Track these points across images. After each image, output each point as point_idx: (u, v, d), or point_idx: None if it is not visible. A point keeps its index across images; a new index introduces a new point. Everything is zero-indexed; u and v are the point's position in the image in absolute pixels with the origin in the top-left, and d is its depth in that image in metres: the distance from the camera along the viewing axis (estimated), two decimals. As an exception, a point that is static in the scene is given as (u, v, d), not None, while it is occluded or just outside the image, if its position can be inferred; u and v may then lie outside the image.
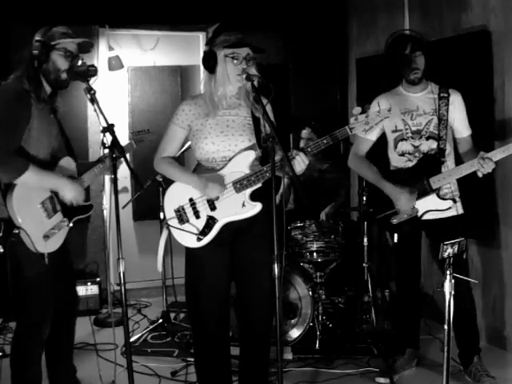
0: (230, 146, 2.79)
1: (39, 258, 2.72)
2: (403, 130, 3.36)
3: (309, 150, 2.71)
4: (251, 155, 2.78)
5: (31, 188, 2.70)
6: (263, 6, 5.22)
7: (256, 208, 2.77)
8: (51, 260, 2.77)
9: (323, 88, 5.54)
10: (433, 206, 3.26)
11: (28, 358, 2.80)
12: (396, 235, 3.32)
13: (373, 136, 3.45)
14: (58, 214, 2.84)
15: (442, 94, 3.30)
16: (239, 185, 2.75)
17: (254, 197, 2.78)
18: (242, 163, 2.77)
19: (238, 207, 2.77)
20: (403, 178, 3.33)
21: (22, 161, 2.63)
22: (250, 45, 2.78)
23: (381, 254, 4.96)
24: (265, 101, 2.71)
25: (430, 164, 3.28)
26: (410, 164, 3.35)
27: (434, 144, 3.31)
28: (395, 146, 3.39)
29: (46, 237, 2.76)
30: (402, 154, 3.38)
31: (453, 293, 2.42)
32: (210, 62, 2.78)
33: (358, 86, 5.39)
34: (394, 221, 3.30)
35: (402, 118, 3.35)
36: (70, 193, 2.80)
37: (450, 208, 3.26)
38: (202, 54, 2.91)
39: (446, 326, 2.46)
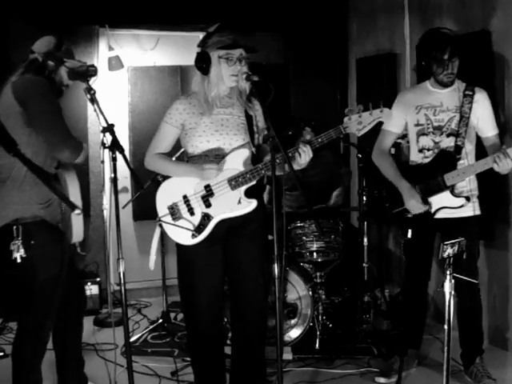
0: (225, 144, 2.82)
1: (55, 261, 2.76)
2: (425, 124, 3.34)
3: (315, 143, 2.72)
4: (245, 153, 2.80)
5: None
6: (263, 6, 5.21)
7: (252, 205, 2.79)
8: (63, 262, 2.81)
9: (323, 88, 5.54)
10: (447, 203, 3.25)
11: (32, 359, 2.79)
12: (410, 231, 3.30)
13: (397, 128, 3.43)
14: None
15: (466, 92, 3.28)
16: (234, 182, 2.76)
17: (248, 194, 2.80)
18: (237, 161, 2.79)
19: (234, 204, 2.78)
20: (419, 173, 3.33)
21: (77, 139, 2.76)
22: (244, 46, 2.79)
23: (381, 253, 4.97)
24: (258, 104, 2.79)
25: (446, 160, 3.26)
26: (427, 160, 3.34)
27: (453, 141, 3.29)
28: (417, 141, 3.38)
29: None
30: (421, 150, 3.36)
31: (453, 293, 2.42)
32: (203, 64, 2.81)
33: (358, 86, 5.39)
34: (409, 215, 3.31)
35: (425, 112, 3.34)
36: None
37: (462, 206, 3.24)
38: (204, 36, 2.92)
39: (446, 326, 2.46)
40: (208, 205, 2.79)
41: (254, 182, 2.78)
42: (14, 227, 2.68)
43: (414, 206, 3.29)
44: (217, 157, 2.81)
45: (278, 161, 2.65)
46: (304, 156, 2.68)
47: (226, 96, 2.88)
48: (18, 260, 2.65)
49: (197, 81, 2.89)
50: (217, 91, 2.83)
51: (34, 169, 2.67)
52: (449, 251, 2.43)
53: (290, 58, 5.46)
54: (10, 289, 2.87)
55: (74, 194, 2.75)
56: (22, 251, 2.66)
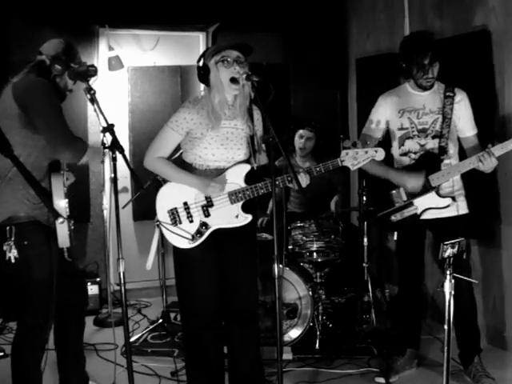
0: (228, 158, 2.88)
1: (53, 259, 2.75)
2: (409, 128, 3.35)
3: (313, 171, 2.84)
4: (246, 168, 2.88)
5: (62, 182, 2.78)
6: (263, 6, 5.21)
7: (247, 219, 2.89)
8: (59, 258, 2.80)
9: (323, 88, 5.54)
10: (432, 204, 3.27)
11: (31, 358, 2.79)
12: (396, 233, 3.33)
13: (377, 133, 3.44)
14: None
15: (447, 93, 3.30)
16: (234, 197, 2.85)
17: (245, 207, 2.88)
18: (237, 175, 2.87)
19: (232, 217, 2.87)
20: None
21: (81, 140, 2.77)
22: (237, 44, 2.81)
23: (381, 253, 4.97)
24: (257, 111, 2.88)
25: (430, 161, 3.29)
26: (412, 163, 3.36)
27: (438, 143, 3.30)
28: (402, 144, 3.39)
29: (69, 230, 2.82)
30: (405, 154, 3.38)
31: (453, 293, 2.42)
32: (203, 74, 2.84)
33: (358, 86, 5.39)
34: (394, 218, 3.32)
35: (408, 116, 3.35)
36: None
37: (448, 206, 3.26)
38: (201, 53, 2.94)
39: (445, 326, 2.46)
40: (207, 214, 2.87)
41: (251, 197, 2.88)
42: (8, 228, 2.68)
43: (414, 182, 3.27)
44: (218, 168, 2.87)
45: (278, 182, 2.77)
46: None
47: (232, 106, 2.89)
48: (12, 260, 2.66)
49: (204, 95, 2.90)
50: (219, 97, 2.83)
51: (23, 171, 2.66)
52: (449, 251, 2.43)
53: (290, 58, 5.46)
54: (8, 289, 2.86)
55: (58, 202, 2.70)
56: (14, 252, 2.66)
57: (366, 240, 4.21)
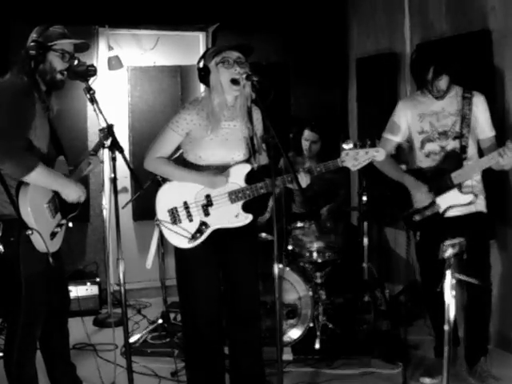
0: (227, 158, 2.89)
1: (39, 258, 2.72)
2: (430, 131, 3.37)
3: (314, 171, 2.87)
4: (246, 168, 2.89)
5: (39, 188, 2.71)
6: (263, 6, 5.22)
7: (247, 219, 2.90)
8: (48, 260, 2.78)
9: (323, 88, 5.54)
10: (455, 201, 3.27)
11: (23, 357, 2.78)
12: (418, 233, 3.32)
13: (398, 137, 3.47)
14: (58, 213, 2.86)
15: (465, 95, 3.31)
16: (234, 196, 2.85)
17: (245, 207, 2.89)
18: (238, 175, 2.87)
19: (231, 217, 2.88)
20: (426, 176, 3.35)
21: (31, 158, 2.62)
22: (238, 45, 2.81)
23: (381, 253, 4.97)
24: (259, 113, 2.90)
25: (452, 160, 3.29)
26: (434, 163, 3.37)
27: (459, 143, 3.31)
28: (421, 147, 3.40)
29: (52, 235, 2.79)
30: (428, 155, 3.39)
31: (453, 293, 2.42)
32: (204, 76, 2.84)
33: (358, 86, 5.39)
34: (417, 218, 3.33)
35: (429, 120, 3.36)
36: (75, 193, 2.81)
37: (471, 203, 3.26)
38: (201, 54, 2.94)
39: (446, 326, 2.46)
40: (207, 214, 2.87)
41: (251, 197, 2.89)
42: None
43: (420, 198, 3.32)
44: (217, 168, 2.87)
45: (278, 182, 2.78)
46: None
47: (232, 106, 2.89)
48: None
49: (205, 96, 2.91)
50: (218, 99, 2.83)
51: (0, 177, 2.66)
52: (449, 251, 2.43)
53: (290, 57, 5.46)
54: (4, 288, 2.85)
55: (25, 213, 2.64)
56: (0, 247, 2.66)
57: (366, 240, 4.21)
